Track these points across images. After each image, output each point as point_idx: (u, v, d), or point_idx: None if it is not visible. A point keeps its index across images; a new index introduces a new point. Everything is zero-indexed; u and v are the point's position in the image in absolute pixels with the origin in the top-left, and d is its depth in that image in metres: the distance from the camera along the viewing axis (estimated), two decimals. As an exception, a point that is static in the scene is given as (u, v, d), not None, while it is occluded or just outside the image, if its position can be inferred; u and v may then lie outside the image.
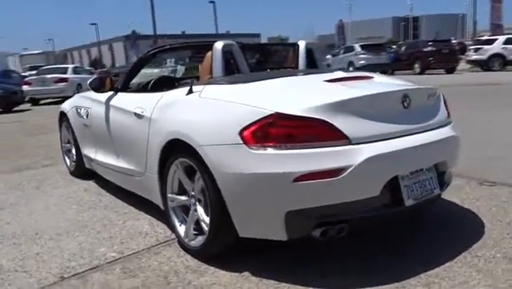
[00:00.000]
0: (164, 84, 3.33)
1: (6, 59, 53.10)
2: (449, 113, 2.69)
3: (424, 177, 2.36)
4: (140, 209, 3.37)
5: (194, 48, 3.83)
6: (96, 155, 3.83)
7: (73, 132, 4.31)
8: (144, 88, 3.56)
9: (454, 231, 2.74)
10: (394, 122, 2.26)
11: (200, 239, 2.48)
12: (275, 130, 2.08)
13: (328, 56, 23.48)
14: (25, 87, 16.24)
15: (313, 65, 3.36)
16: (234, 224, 2.25)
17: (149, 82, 3.64)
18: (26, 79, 17.99)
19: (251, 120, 2.11)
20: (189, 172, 2.50)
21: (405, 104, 2.32)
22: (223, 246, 2.41)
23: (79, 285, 2.31)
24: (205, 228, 2.41)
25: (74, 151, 4.43)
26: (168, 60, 5.01)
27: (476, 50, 20.49)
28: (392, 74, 20.91)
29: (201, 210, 2.46)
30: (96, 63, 57.30)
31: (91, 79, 3.70)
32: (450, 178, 2.68)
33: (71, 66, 19.31)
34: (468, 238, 2.61)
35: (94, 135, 3.79)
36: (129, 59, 53.20)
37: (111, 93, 3.54)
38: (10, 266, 2.55)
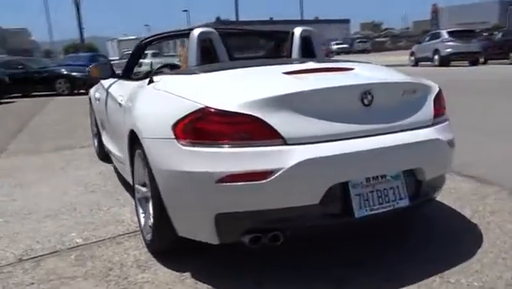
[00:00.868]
0: (151, 73, 3.29)
1: (105, 44, 57.35)
2: (438, 113, 2.30)
3: (386, 186, 2.05)
4: (133, 196, 3.38)
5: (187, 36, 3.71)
6: (105, 140, 3.93)
7: (94, 117, 4.48)
8: (137, 77, 3.55)
9: (440, 248, 2.37)
10: (347, 121, 1.98)
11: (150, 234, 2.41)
12: (203, 126, 1.91)
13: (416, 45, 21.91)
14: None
15: (309, 54, 3.08)
16: (172, 222, 2.14)
17: (150, 71, 3.63)
18: (112, 62, 19.19)
19: (183, 114, 1.97)
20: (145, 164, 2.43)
21: (365, 101, 2.01)
22: (168, 243, 2.31)
23: (29, 269, 2.36)
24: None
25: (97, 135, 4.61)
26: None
27: None
28: (484, 63, 19.12)
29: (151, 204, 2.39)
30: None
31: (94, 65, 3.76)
32: (433, 190, 2.31)
33: (150, 51, 20.20)
34: (451, 258, 2.24)
35: (100, 120, 3.89)
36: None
37: (114, 80, 3.59)
38: (-16, 243, 2.70)
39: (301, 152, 1.85)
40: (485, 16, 66.15)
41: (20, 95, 15.20)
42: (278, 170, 1.82)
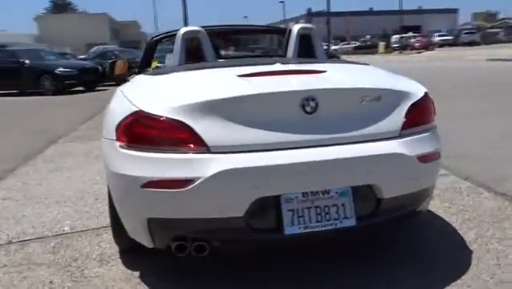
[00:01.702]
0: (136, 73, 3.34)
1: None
2: (412, 123, 2.02)
3: (328, 203, 1.87)
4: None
5: None
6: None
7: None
8: None
9: (410, 272, 2.12)
10: (285, 130, 1.83)
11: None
12: (135, 129, 1.90)
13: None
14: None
15: (308, 52, 2.90)
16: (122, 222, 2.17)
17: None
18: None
19: (122, 117, 1.97)
20: None
21: (308, 109, 1.84)
22: (124, 243, 2.34)
23: (11, 251, 2.55)
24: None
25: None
26: None
27: None
28: None
29: None
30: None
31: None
32: (405, 207, 2.04)
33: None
34: (417, 285, 1.99)
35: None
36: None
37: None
38: (-10, 223, 2.97)
39: (223, 162, 1.76)
40: None
41: (114, 83, 16.45)
42: (197, 179, 1.75)
